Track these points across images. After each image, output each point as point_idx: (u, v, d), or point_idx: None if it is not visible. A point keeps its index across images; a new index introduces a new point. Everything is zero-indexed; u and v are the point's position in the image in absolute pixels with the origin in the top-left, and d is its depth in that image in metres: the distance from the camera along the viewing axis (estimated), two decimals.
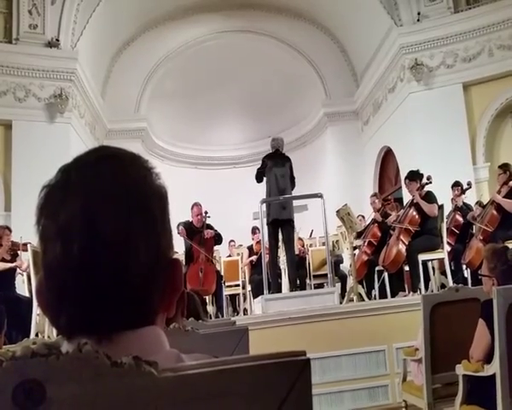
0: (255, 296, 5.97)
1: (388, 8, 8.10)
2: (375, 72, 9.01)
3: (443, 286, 4.95)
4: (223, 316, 5.71)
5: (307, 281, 7.00)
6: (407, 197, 6.01)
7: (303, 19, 10.02)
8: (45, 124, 7.49)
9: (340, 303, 4.73)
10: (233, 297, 7.35)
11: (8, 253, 4.99)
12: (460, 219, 5.69)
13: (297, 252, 6.85)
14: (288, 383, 0.46)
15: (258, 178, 5.32)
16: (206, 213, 5.77)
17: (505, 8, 7.42)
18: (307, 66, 10.16)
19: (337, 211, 5.17)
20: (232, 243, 8.08)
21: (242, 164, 11.12)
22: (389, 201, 6.32)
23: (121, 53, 9.78)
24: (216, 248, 6.27)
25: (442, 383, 2.72)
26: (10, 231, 5.13)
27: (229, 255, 7.80)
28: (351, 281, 5.42)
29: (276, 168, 5.17)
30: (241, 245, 8.14)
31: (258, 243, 6.95)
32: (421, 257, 4.82)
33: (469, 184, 5.94)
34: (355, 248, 5.61)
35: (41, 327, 4.25)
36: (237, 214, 9.21)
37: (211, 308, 5.68)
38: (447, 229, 5.29)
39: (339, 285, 6.23)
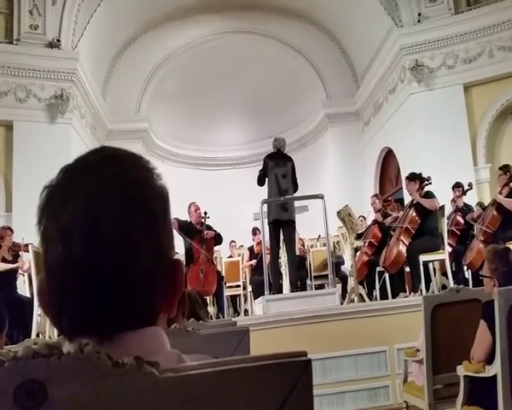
0: (256, 297, 5.97)
1: (389, 9, 8.10)
2: (375, 73, 9.01)
3: (444, 287, 4.95)
4: (223, 317, 5.70)
5: (308, 282, 6.99)
6: (408, 198, 6.01)
7: (303, 20, 10.02)
8: (46, 124, 7.49)
9: (341, 304, 4.73)
10: (234, 298, 7.35)
11: (9, 253, 4.99)
12: (461, 220, 5.69)
13: (297, 253, 6.85)
14: (289, 383, 0.46)
15: (260, 182, 5.26)
16: (205, 213, 5.76)
17: (506, 10, 7.42)
18: (308, 67, 10.16)
19: (338, 212, 5.17)
20: (233, 244, 8.08)
21: (243, 165, 11.12)
22: (390, 201, 6.31)
23: (122, 54, 9.79)
24: (216, 248, 6.27)
25: (443, 383, 2.72)
26: (12, 231, 5.13)
27: (230, 256, 7.80)
28: (351, 282, 5.42)
29: (277, 168, 5.15)
30: (242, 246, 8.14)
31: (259, 243, 6.95)
32: (422, 258, 4.82)
33: (470, 185, 5.93)
34: (356, 249, 5.60)
35: (42, 328, 4.26)
36: (238, 215, 9.22)
37: (211, 309, 5.67)
38: (448, 230, 5.29)
39: (340, 286, 6.23)
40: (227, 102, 10.61)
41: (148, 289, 0.53)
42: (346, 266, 7.05)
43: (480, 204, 5.79)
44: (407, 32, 7.97)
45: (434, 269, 5.39)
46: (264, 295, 4.59)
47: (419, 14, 7.95)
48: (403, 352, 3.29)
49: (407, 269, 5.14)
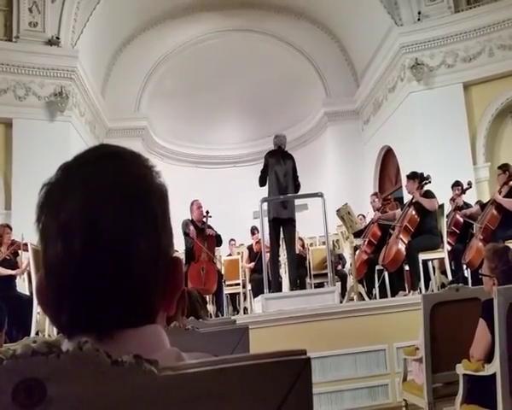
0: (255, 295, 5.97)
1: (389, 7, 8.10)
2: (375, 71, 9.01)
3: (443, 286, 4.95)
4: (223, 315, 5.71)
5: (307, 280, 7.00)
6: (407, 197, 6.01)
7: (303, 18, 10.01)
8: (45, 122, 7.48)
9: (341, 302, 4.73)
10: (233, 296, 7.35)
11: (8, 251, 4.99)
12: (460, 219, 5.69)
13: (297, 251, 6.85)
14: (288, 381, 0.46)
15: (262, 182, 5.20)
16: (207, 212, 5.76)
17: (506, 8, 7.42)
18: (307, 65, 10.15)
19: (337, 210, 5.17)
20: (232, 242, 8.08)
21: (242, 163, 11.12)
22: (389, 200, 6.31)
23: (121, 51, 9.77)
24: (216, 248, 6.26)
25: (442, 382, 2.73)
26: (11, 228, 5.13)
27: (230, 254, 7.80)
28: (351, 280, 5.43)
29: (277, 166, 5.13)
30: (242, 244, 8.14)
31: (258, 242, 6.95)
32: (422, 256, 4.82)
33: (470, 183, 5.94)
34: (355, 248, 5.61)
35: (41, 326, 4.26)
36: (238, 213, 9.21)
37: (211, 307, 5.68)
38: (447, 228, 5.30)
39: (339, 284, 6.23)
40: (227, 100, 10.61)
41: (147, 287, 0.53)
42: (346, 265, 7.06)
43: (479, 203, 5.79)
44: (407, 30, 7.97)
45: (434, 268, 5.39)
46: (263, 293, 4.59)
47: (419, 13, 7.95)
48: (402, 350, 3.29)
49: (406, 268, 5.14)
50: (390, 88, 8.66)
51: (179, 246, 5.76)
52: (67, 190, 0.52)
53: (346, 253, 6.45)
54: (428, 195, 4.95)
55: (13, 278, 5.00)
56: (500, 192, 5.07)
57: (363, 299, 4.83)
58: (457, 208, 5.81)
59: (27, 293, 4.93)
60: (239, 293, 7.16)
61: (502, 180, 5.12)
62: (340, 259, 7.32)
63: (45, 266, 0.53)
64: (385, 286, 5.49)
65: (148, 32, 9.81)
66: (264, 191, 5.27)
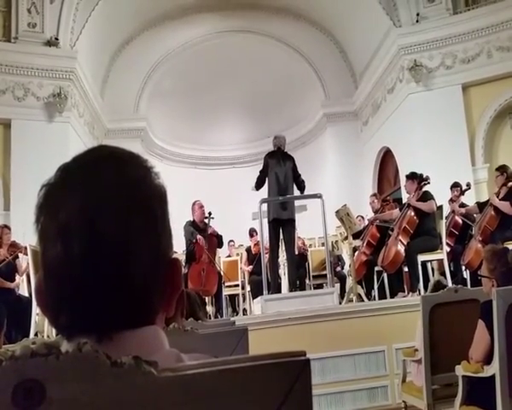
0: (254, 297, 5.97)
1: (387, 9, 8.11)
2: (374, 72, 9.02)
3: (438, 284, 4.94)
4: (222, 316, 5.70)
5: (307, 281, 7.00)
6: (406, 198, 6.01)
7: (302, 19, 10.02)
8: (44, 123, 7.48)
9: (340, 304, 4.73)
10: (232, 297, 7.35)
11: (8, 253, 4.97)
12: (459, 220, 5.70)
13: (297, 252, 6.85)
14: (287, 383, 0.46)
15: (259, 183, 5.12)
16: (209, 213, 5.75)
17: (504, 10, 7.44)
18: (306, 66, 10.16)
19: (336, 211, 5.17)
20: (232, 244, 8.08)
21: (242, 164, 11.12)
22: (388, 201, 6.32)
23: (120, 52, 9.77)
24: (218, 249, 6.25)
25: (442, 383, 2.73)
26: (9, 229, 5.12)
27: (229, 255, 7.80)
28: (350, 281, 5.43)
29: (277, 167, 5.12)
30: (241, 245, 8.14)
31: (256, 245, 6.95)
32: (421, 258, 4.82)
33: (468, 184, 5.95)
34: (354, 249, 5.61)
35: (40, 327, 4.25)
36: (237, 214, 9.20)
37: (210, 308, 5.67)
38: (446, 230, 5.30)
39: (338, 286, 6.23)
40: (226, 102, 10.61)
41: (146, 289, 0.53)
42: (345, 266, 7.06)
43: (478, 204, 5.80)
44: (405, 32, 7.98)
45: (433, 269, 5.39)
46: (262, 294, 4.59)
47: (417, 15, 7.96)
48: (401, 352, 3.29)
49: (405, 269, 5.14)
50: (389, 89, 8.67)
51: (178, 247, 5.76)
52: (66, 191, 0.52)
53: (345, 254, 6.45)
54: (426, 196, 4.95)
55: (12, 279, 4.99)
56: (498, 194, 5.08)
57: (363, 300, 4.83)
58: (456, 211, 5.81)
59: (26, 294, 4.92)
60: (238, 294, 7.16)
61: (500, 182, 5.13)
62: (338, 260, 7.32)
63: (44, 267, 0.53)
64: (384, 287, 5.49)
65: (147, 32, 9.81)
66: (264, 192, 5.26)
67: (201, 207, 5.72)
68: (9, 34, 7.47)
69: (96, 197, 0.51)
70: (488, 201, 5.26)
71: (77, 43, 7.79)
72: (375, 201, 6.10)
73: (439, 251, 4.90)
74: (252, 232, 7.29)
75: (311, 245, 7.73)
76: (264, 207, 5.05)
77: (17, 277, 5.00)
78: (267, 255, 5.34)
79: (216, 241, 5.69)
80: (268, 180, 5.13)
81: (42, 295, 0.53)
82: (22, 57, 7.36)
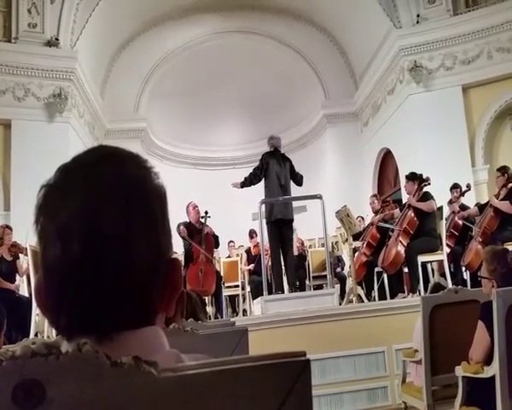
0: (254, 297, 5.97)
1: (388, 10, 8.11)
2: (374, 73, 9.02)
3: (438, 286, 4.94)
4: (222, 317, 5.70)
5: (307, 282, 7.00)
6: (406, 199, 6.01)
7: (302, 20, 10.03)
8: (44, 123, 7.48)
9: (340, 304, 4.73)
10: (232, 298, 7.35)
11: (9, 253, 4.97)
12: (459, 221, 5.70)
13: (296, 252, 6.86)
14: (287, 383, 0.46)
15: (253, 180, 5.10)
16: (206, 213, 5.75)
17: (504, 11, 7.44)
18: (306, 67, 10.17)
19: (336, 212, 5.17)
20: (231, 244, 8.08)
21: (242, 165, 11.10)
22: (388, 202, 6.31)
23: (120, 53, 9.77)
24: (215, 249, 6.25)
25: (441, 384, 2.73)
26: (11, 229, 5.12)
27: (229, 256, 7.80)
28: (350, 282, 5.42)
29: (278, 168, 5.12)
30: (241, 246, 8.14)
31: (256, 246, 6.95)
32: (421, 259, 4.82)
33: (468, 186, 5.94)
34: (354, 250, 5.61)
35: (40, 327, 4.25)
36: (236, 215, 9.21)
37: (210, 309, 5.67)
38: (446, 231, 5.30)
39: (338, 286, 6.23)
40: (226, 102, 10.61)
41: (146, 289, 0.53)
42: (345, 267, 7.06)
43: (478, 205, 5.80)
44: (406, 33, 7.99)
45: (433, 270, 5.39)
46: (262, 295, 4.59)
47: (418, 16, 7.97)
48: (401, 352, 3.29)
49: (405, 270, 5.14)
50: (389, 90, 8.67)
51: (178, 248, 5.76)
52: (66, 192, 0.52)
53: (345, 255, 6.45)
54: (426, 196, 4.95)
55: (12, 279, 4.98)
56: (499, 194, 5.08)
57: (363, 301, 4.83)
58: (456, 213, 5.81)
59: (26, 294, 4.92)
60: (238, 295, 7.16)
61: (500, 182, 5.13)
62: (338, 261, 7.32)
63: (44, 267, 0.53)
64: (384, 288, 5.49)
65: (147, 33, 9.82)
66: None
67: (195, 207, 5.72)
68: (10, 34, 7.48)
69: (95, 198, 0.51)
70: (488, 202, 5.26)
71: (77, 44, 7.79)
72: (376, 201, 6.10)
73: (439, 252, 4.90)
74: (252, 234, 7.29)
75: (310, 246, 7.73)
76: (263, 208, 5.04)
77: (17, 277, 5.00)
78: (267, 256, 5.33)
79: (213, 241, 5.69)
80: (268, 180, 5.11)
81: (42, 296, 0.53)
82: (22, 57, 7.36)
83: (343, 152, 9.93)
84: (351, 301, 4.83)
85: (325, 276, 5.83)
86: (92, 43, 8.36)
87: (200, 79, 10.13)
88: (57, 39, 7.56)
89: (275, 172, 5.07)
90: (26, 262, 4.82)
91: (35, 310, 4.16)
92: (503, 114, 7.66)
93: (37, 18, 7.53)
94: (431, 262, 5.19)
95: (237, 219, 8.85)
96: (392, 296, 5.15)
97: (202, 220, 5.73)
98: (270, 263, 5.36)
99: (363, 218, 6.89)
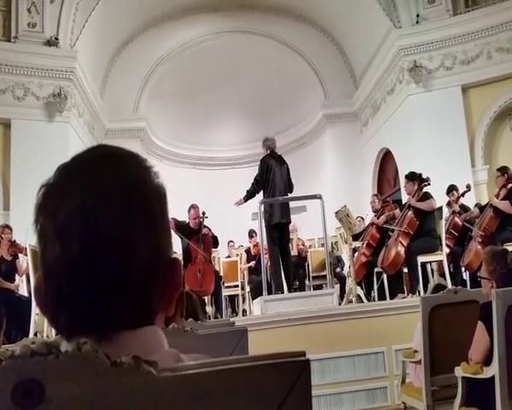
0: (254, 297, 5.96)
1: (387, 10, 8.11)
2: (373, 73, 9.03)
3: (438, 287, 4.94)
4: (222, 317, 5.70)
5: (306, 282, 6.99)
6: (406, 199, 6.01)
7: (302, 20, 10.03)
8: (44, 123, 7.47)
9: (339, 305, 4.73)
10: (232, 298, 7.34)
11: (8, 253, 4.96)
12: (459, 222, 5.70)
13: (295, 253, 6.86)
14: (287, 383, 0.46)
15: (257, 188, 5.11)
16: (203, 213, 5.75)
17: (504, 11, 7.44)
18: (306, 67, 10.17)
19: (336, 212, 5.17)
20: (231, 244, 8.07)
21: (241, 165, 11.12)
22: (388, 202, 6.31)
23: (120, 52, 9.77)
24: (215, 249, 6.25)
25: (441, 385, 2.73)
26: (10, 229, 5.11)
27: (229, 256, 7.80)
28: (350, 282, 5.43)
29: (278, 169, 5.14)
30: (241, 246, 8.14)
31: (256, 246, 6.95)
32: (421, 259, 4.82)
33: (468, 186, 5.94)
34: (354, 250, 5.61)
35: (40, 327, 4.25)
36: (236, 215, 9.20)
37: (210, 309, 5.67)
38: (446, 231, 5.30)
39: (338, 287, 6.23)
40: (225, 102, 10.61)
41: (145, 289, 0.53)
42: (345, 267, 7.06)
43: (477, 205, 5.80)
44: (405, 33, 7.99)
45: (432, 270, 5.39)
46: (262, 295, 4.59)
47: (417, 16, 7.97)
48: (401, 353, 3.29)
49: (405, 270, 5.14)
50: (388, 90, 8.67)
51: (178, 248, 5.76)
52: (66, 192, 0.52)
53: (345, 255, 6.45)
54: (426, 196, 4.95)
55: (12, 279, 4.98)
56: (498, 195, 5.08)
57: (362, 301, 4.83)
58: (455, 212, 5.81)
59: (26, 294, 4.92)
60: (238, 295, 7.16)
61: (500, 183, 5.13)
62: (338, 261, 7.31)
63: (43, 267, 0.53)
64: (383, 289, 5.49)
65: (147, 33, 9.81)
66: (261, 193, 5.24)
67: (195, 218, 5.70)
68: (9, 34, 7.47)
69: (95, 197, 0.51)
70: (489, 202, 5.26)
71: (77, 43, 7.79)
72: (376, 201, 6.10)
73: (438, 252, 4.90)
74: (251, 233, 7.29)
75: (310, 246, 7.72)
76: (262, 208, 5.03)
77: (17, 277, 5.00)
78: (266, 256, 5.34)
79: (211, 241, 5.69)
80: (269, 182, 5.10)
81: (41, 295, 0.53)
82: (22, 57, 7.35)
83: (343, 152, 9.93)
84: (350, 302, 4.83)
85: (325, 276, 5.83)
86: (92, 43, 8.35)
87: (199, 79, 10.13)
88: (57, 39, 7.56)
89: (275, 173, 5.08)
90: (25, 262, 4.82)
91: (34, 310, 4.16)
92: (503, 114, 7.67)
93: (37, 17, 7.52)
94: (431, 263, 5.19)
95: (237, 219, 8.85)
96: (392, 297, 5.15)
97: (200, 220, 5.72)
98: (269, 263, 5.36)
99: (362, 218, 6.89)
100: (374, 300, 5.35)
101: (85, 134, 8.47)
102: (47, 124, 7.49)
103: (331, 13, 9.44)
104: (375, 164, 9.51)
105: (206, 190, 9.77)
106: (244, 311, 7.08)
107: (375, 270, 5.48)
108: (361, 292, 5.03)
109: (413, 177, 5.13)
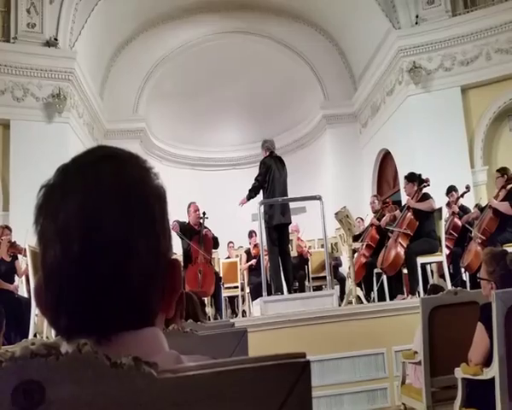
0: (254, 298, 5.96)
1: (387, 10, 8.12)
2: (373, 74, 9.03)
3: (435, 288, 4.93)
4: (221, 318, 5.69)
5: (306, 283, 6.99)
6: (405, 200, 6.01)
7: (302, 21, 10.04)
8: (43, 123, 7.47)
9: (339, 306, 4.72)
10: (232, 299, 7.34)
11: (8, 254, 4.96)
12: (458, 223, 5.70)
13: (296, 253, 6.85)
14: (287, 385, 0.46)
15: (257, 190, 5.12)
16: (204, 213, 5.75)
17: (503, 12, 7.46)
18: (306, 68, 10.17)
19: (336, 213, 5.17)
20: (231, 245, 8.07)
21: (241, 165, 11.12)
22: (387, 203, 6.32)
23: (119, 53, 9.77)
24: (214, 250, 6.24)
25: (441, 386, 2.72)
26: (10, 230, 5.11)
27: (228, 257, 7.79)
28: (349, 283, 5.42)
29: (277, 170, 5.14)
30: (241, 247, 8.13)
31: (256, 246, 6.94)
32: (420, 260, 4.82)
33: (468, 187, 5.95)
34: (354, 251, 5.61)
35: (40, 328, 4.24)
36: (236, 216, 9.20)
37: (209, 310, 5.67)
38: (446, 232, 5.30)
39: (337, 288, 6.23)
40: (225, 103, 10.61)
41: (145, 290, 0.53)
42: (344, 268, 7.05)
43: (477, 206, 5.80)
44: (405, 33, 8.00)
45: (432, 271, 5.39)
46: (262, 296, 4.58)
47: (417, 16, 7.98)
48: (401, 354, 3.29)
49: (405, 271, 5.14)
50: (388, 91, 8.68)
51: (178, 249, 5.75)
52: (66, 193, 0.52)
53: (345, 256, 6.45)
54: (426, 197, 4.95)
55: (12, 280, 4.98)
56: (498, 195, 5.08)
57: (362, 302, 4.83)
58: (455, 213, 5.82)
59: (25, 295, 4.91)
60: (237, 296, 7.15)
61: (500, 183, 5.13)
62: (335, 259, 7.30)
63: (43, 268, 0.52)
64: (383, 290, 5.49)
65: (146, 33, 9.82)
66: (261, 193, 5.24)
67: (196, 211, 5.72)
68: (9, 34, 7.47)
69: (95, 198, 0.51)
70: (488, 203, 5.26)
71: (76, 44, 7.79)
72: (376, 201, 6.11)
73: (438, 253, 4.90)
74: (251, 233, 7.29)
75: (310, 247, 7.72)
76: (262, 209, 5.03)
77: (16, 278, 4.99)
78: (266, 257, 5.33)
79: (212, 242, 5.69)
80: (270, 183, 5.10)
81: (41, 296, 0.53)
82: (21, 57, 7.35)
83: (342, 153, 9.94)
84: (350, 303, 4.83)
85: (325, 277, 5.82)
86: (91, 44, 8.35)
87: (199, 80, 10.13)
88: (56, 39, 7.56)
89: (276, 174, 5.09)
90: (25, 263, 4.82)
91: (34, 311, 4.16)
92: (502, 115, 7.67)
93: (36, 18, 7.52)
94: (430, 264, 5.19)
95: (237, 220, 8.85)
96: (392, 298, 5.15)
97: (201, 221, 5.73)
98: (269, 264, 5.36)
99: (362, 219, 6.89)
100: (373, 301, 5.35)
101: (85, 135, 8.46)
102: (46, 124, 7.48)
103: (331, 14, 9.45)
104: (374, 165, 9.51)
105: (206, 190, 9.77)
106: (244, 312, 7.07)
107: (375, 271, 5.48)
108: (361, 293, 5.03)
109: (412, 178, 5.13)
